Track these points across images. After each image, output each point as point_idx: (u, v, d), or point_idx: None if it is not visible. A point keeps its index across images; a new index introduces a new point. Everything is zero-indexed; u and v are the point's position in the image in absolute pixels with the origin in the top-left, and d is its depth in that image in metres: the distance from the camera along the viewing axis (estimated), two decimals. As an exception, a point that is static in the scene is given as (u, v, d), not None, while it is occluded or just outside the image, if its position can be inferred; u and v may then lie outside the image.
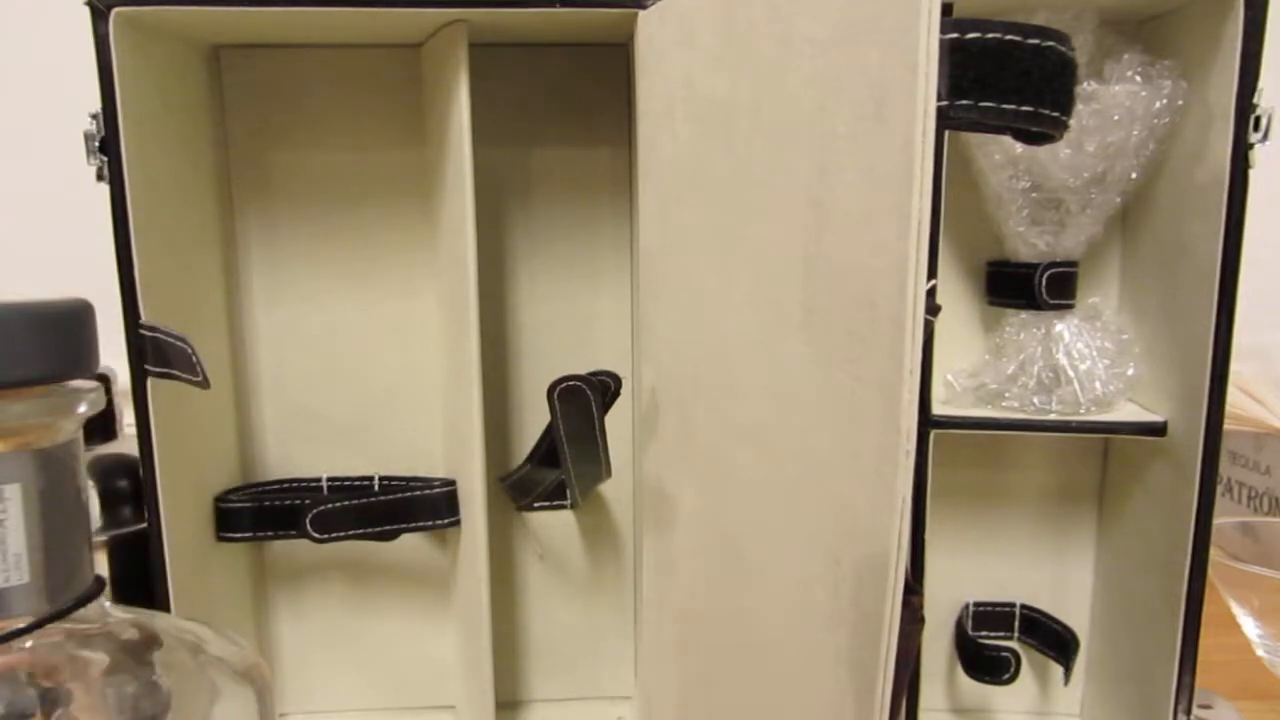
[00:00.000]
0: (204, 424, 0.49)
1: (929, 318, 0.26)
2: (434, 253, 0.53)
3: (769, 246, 0.31)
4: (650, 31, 0.41)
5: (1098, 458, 0.53)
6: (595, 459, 0.48)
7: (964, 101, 0.24)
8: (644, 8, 0.41)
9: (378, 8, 0.43)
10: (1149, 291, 0.48)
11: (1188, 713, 0.45)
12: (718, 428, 0.36)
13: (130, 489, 0.49)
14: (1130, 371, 0.48)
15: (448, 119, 0.47)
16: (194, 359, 0.40)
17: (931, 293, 0.26)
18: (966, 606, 0.55)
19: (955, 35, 0.24)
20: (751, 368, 0.33)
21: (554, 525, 0.57)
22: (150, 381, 0.43)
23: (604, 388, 0.44)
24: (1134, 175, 0.45)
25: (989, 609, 0.55)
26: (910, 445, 0.25)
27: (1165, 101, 0.43)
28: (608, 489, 0.56)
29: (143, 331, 0.42)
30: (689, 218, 0.38)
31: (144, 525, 0.45)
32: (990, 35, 0.24)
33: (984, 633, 0.54)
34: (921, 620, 0.35)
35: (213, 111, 0.51)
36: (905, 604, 0.36)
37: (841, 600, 0.28)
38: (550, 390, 0.43)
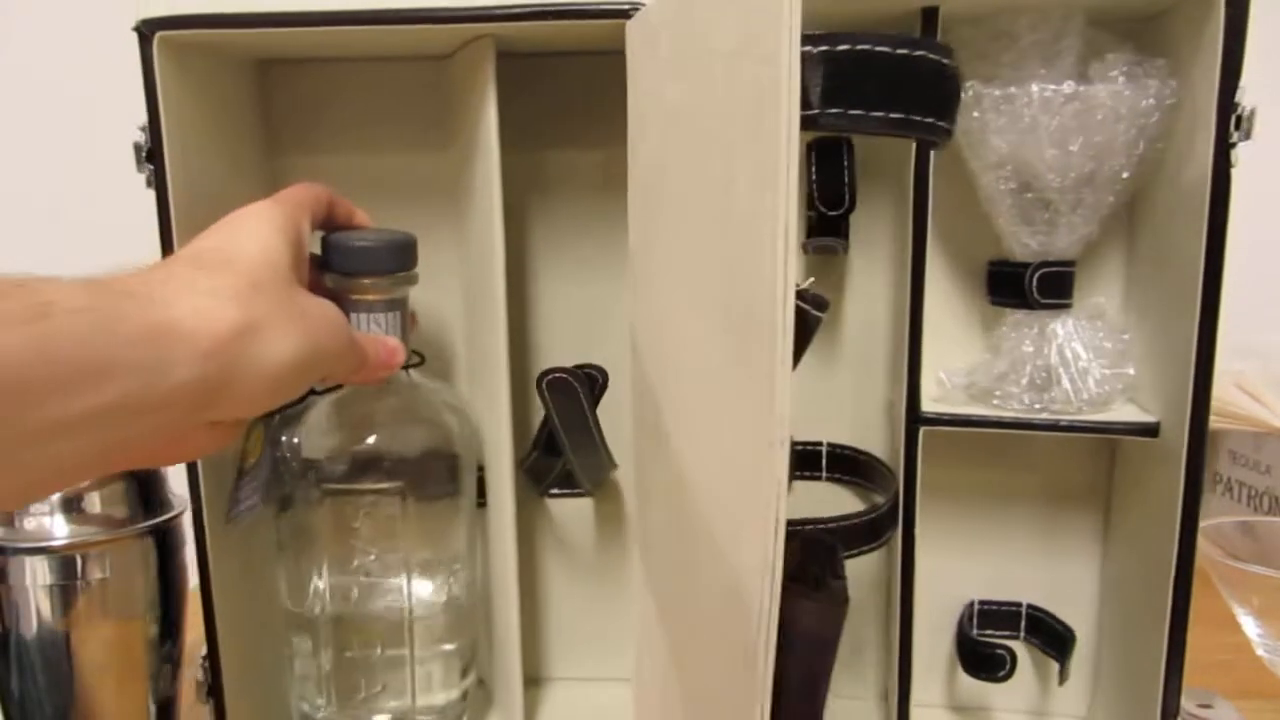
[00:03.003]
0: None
1: (817, 314, 0.28)
2: (461, 249, 0.57)
3: (702, 249, 0.33)
4: (631, 41, 0.43)
5: (1103, 458, 0.52)
6: (594, 449, 0.50)
7: (833, 110, 0.25)
8: (629, 18, 0.43)
9: (410, 24, 0.46)
10: (1148, 292, 0.48)
11: (1174, 714, 0.44)
12: (674, 419, 0.38)
13: (145, 486, 0.51)
14: (1131, 372, 0.48)
15: (476, 125, 0.50)
16: None
17: (806, 292, 0.27)
18: (971, 605, 0.55)
19: (826, 47, 0.25)
20: (693, 363, 0.35)
21: (573, 512, 0.60)
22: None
23: (591, 381, 0.47)
24: (1125, 175, 0.45)
25: (995, 608, 0.55)
26: (784, 432, 0.26)
27: (1153, 101, 0.43)
28: (624, 478, 0.58)
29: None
30: (658, 220, 0.40)
31: (165, 517, 0.50)
32: (860, 46, 0.25)
33: (990, 631, 0.54)
34: (845, 602, 0.37)
35: (262, 120, 0.56)
36: (824, 587, 0.37)
37: (739, 579, 0.30)
38: (539, 381, 0.46)
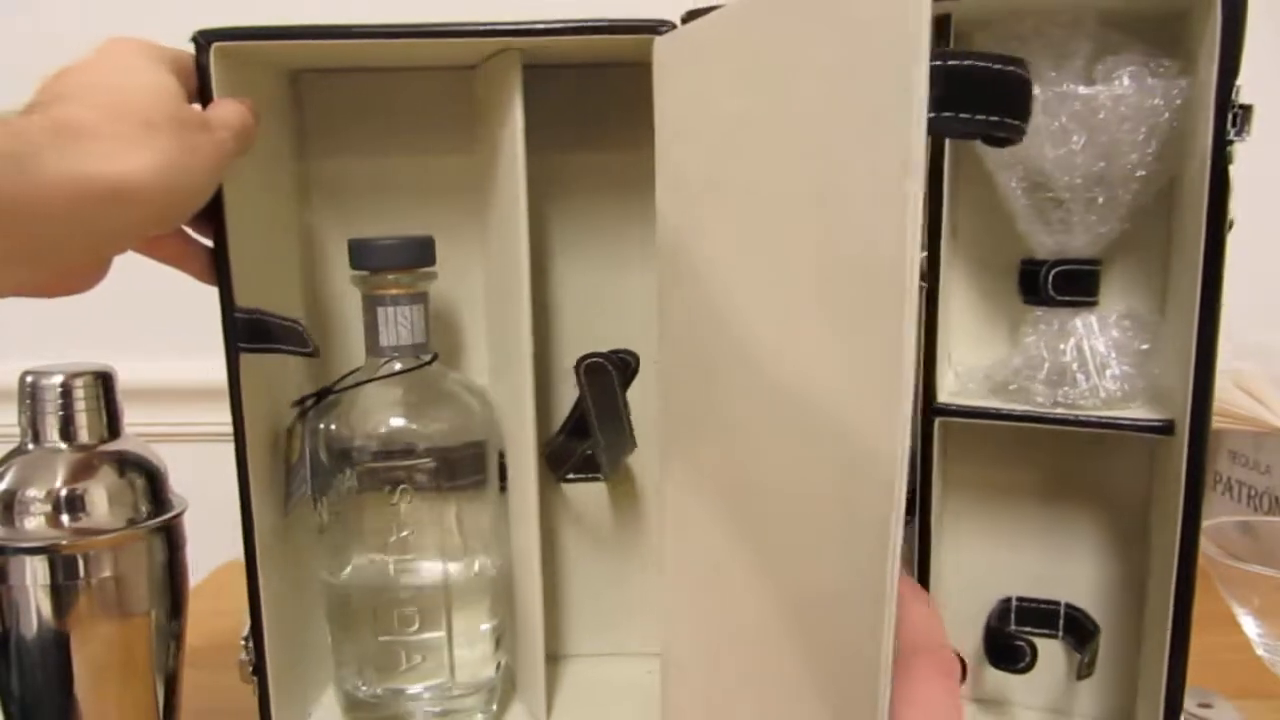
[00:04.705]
0: (283, 397, 0.55)
1: (921, 283, 0.31)
2: (483, 246, 0.59)
3: (783, 236, 0.35)
4: (664, 56, 0.46)
5: (1132, 457, 0.52)
6: (621, 430, 0.53)
7: (946, 114, 0.29)
8: (659, 34, 0.46)
9: (447, 38, 0.48)
10: (1173, 291, 0.49)
11: (1178, 713, 0.45)
12: (743, 392, 0.40)
13: (146, 485, 0.51)
14: (1157, 371, 0.48)
15: (502, 131, 0.52)
16: (304, 335, 0.49)
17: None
18: (1009, 601, 0.54)
19: (939, 63, 0.28)
20: (776, 338, 0.37)
21: (589, 495, 0.62)
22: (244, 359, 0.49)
23: (624, 365, 0.49)
24: (1139, 174, 0.46)
25: (1033, 605, 0.54)
26: (910, 382, 0.28)
27: (1161, 100, 0.44)
28: (636, 461, 0.61)
29: (237, 315, 0.48)
30: (707, 214, 0.42)
31: (166, 517, 0.50)
32: (966, 62, 0.29)
33: (1029, 629, 0.54)
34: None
35: (295, 125, 0.57)
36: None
37: (853, 516, 0.31)
38: (577, 365, 0.48)
